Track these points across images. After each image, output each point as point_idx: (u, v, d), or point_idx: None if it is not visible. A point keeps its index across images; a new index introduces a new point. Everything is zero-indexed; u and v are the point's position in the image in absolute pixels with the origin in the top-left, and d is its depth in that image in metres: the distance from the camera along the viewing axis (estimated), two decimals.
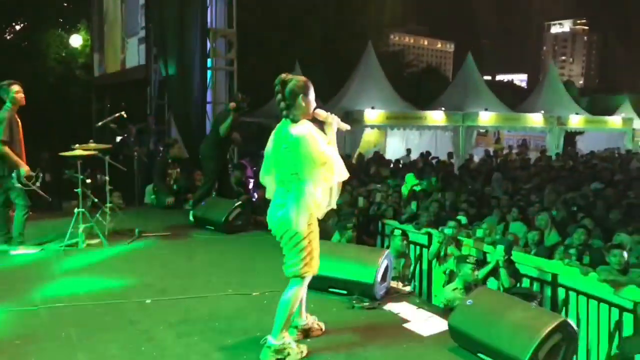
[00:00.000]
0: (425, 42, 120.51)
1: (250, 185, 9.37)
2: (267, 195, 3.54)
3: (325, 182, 3.23)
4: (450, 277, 6.41)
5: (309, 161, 3.17)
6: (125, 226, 6.66)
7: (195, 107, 9.33)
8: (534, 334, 2.91)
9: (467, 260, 5.57)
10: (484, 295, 3.55)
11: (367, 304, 4.24)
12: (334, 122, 3.39)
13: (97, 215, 6.40)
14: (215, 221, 6.82)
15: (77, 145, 5.94)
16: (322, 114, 3.37)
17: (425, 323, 3.91)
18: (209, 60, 9.35)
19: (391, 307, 4.25)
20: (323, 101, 20.08)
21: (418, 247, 7.92)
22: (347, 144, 16.31)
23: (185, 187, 8.38)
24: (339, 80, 21.00)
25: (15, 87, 5.71)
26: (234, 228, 6.81)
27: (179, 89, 9.52)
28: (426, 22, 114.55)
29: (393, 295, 4.51)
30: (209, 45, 9.26)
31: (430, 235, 7.69)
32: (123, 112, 6.23)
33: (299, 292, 3.38)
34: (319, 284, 4.50)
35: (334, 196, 3.35)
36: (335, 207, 3.45)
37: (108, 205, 6.50)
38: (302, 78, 3.32)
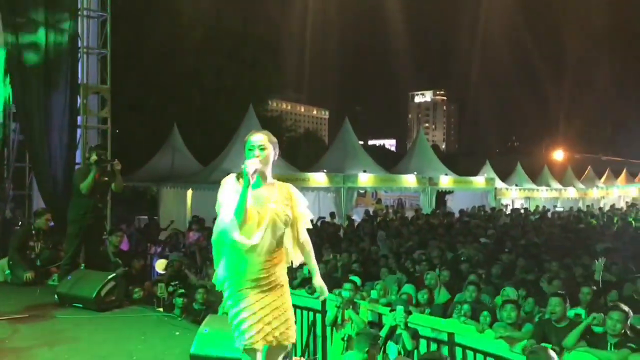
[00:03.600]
0: (302, 109, 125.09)
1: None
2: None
3: None
4: (349, 342, 6.12)
5: None
6: None
7: (63, 169, 8.37)
8: None
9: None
10: None
11: None
12: None
13: None
14: (85, 297, 5.93)
15: None
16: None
17: None
18: (79, 118, 8.53)
19: None
20: (204, 164, 19.53)
21: (311, 313, 7.57)
22: None
23: (49, 260, 7.31)
24: (218, 144, 20.67)
25: None
26: (107, 305, 5.97)
27: (43, 150, 8.52)
28: (302, 90, 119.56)
29: None
30: (79, 102, 8.48)
31: (324, 300, 7.38)
32: None
33: None
34: None
35: None
36: None
37: None
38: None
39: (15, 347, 4.72)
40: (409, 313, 5.73)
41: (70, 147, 8.47)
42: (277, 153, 3.18)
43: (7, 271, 7.36)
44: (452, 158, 44.51)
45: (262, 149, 3.09)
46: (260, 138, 3.11)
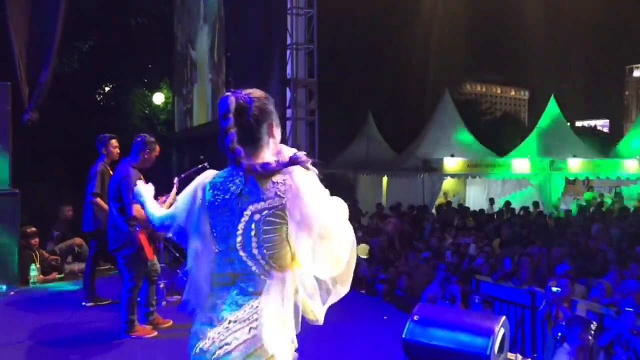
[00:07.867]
0: (499, 90, 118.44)
1: None
2: None
3: None
4: (562, 342, 5.64)
5: None
6: None
7: None
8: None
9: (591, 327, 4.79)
10: None
11: None
12: None
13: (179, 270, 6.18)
14: None
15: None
16: None
17: None
18: (288, 111, 9.20)
19: None
20: (398, 151, 19.69)
21: (519, 308, 7.15)
22: (425, 194, 15.69)
23: None
24: (410, 129, 20.77)
25: (114, 142, 5.88)
26: None
27: None
28: (499, 70, 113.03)
29: None
30: (288, 95, 9.14)
31: (533, 295, 6.92)
32: (206, 163, 6.05)
33: None
34: (423, 356, 3.94)
35: None
36: None
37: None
38: None
39: None
40: None
41: (281, 139, 9.19)
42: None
43: None
44: None
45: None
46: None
